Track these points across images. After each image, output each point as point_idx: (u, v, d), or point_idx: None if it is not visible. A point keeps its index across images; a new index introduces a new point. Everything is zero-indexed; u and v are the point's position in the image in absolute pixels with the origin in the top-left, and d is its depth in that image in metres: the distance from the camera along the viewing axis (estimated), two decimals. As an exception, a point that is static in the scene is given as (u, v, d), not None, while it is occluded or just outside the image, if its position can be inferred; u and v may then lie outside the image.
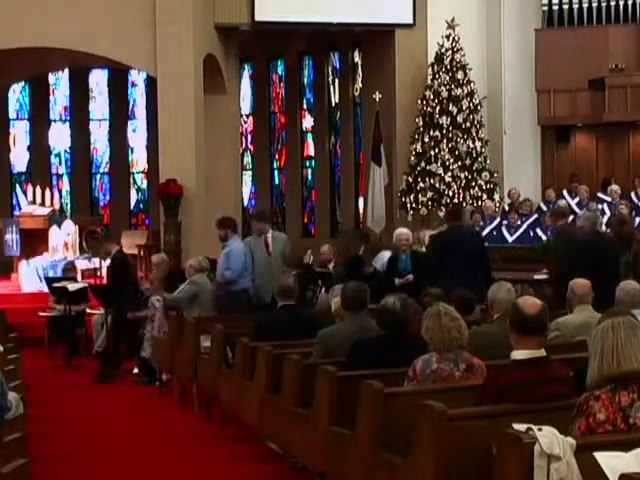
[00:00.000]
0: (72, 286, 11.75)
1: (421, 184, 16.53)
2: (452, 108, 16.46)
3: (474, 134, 16.58)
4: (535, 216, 14.55)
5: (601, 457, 3.35)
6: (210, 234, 16.15)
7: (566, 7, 17.21)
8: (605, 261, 8.79)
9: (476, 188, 16.43)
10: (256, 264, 10.12)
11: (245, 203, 21.54)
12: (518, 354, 4.20)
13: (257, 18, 17.10)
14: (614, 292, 6.43)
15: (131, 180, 23.12)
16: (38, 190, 16.71)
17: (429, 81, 16.92)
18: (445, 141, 16.49)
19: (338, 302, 6.66)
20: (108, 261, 11.54)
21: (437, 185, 16.43)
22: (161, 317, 10.02)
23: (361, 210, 19.47)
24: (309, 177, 21.39)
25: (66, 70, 22.71)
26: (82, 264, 14.65)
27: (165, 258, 12.06)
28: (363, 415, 4.69)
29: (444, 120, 16.49)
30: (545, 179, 17.48)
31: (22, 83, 22.88)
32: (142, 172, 22.98)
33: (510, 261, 12.57)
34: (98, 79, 23.10)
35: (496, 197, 16.49)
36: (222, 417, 8.10)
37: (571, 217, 13.40)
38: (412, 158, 16.73)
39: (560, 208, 11.54)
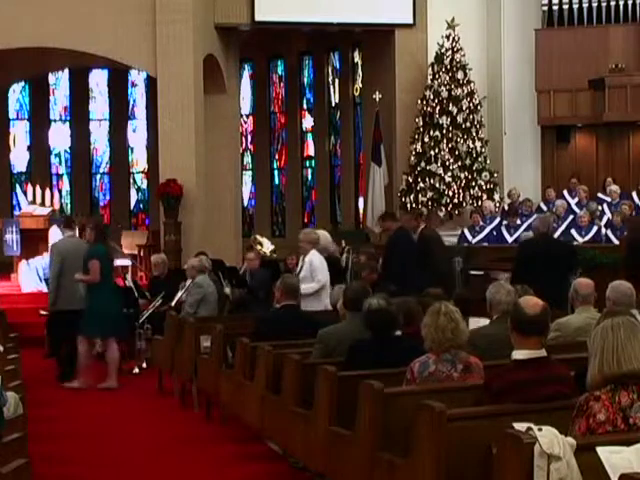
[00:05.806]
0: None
1: (421, 184, 16.52)
2: (452, 108, 16.44)
3: (474, 134, 16.56)
4: (535, 216, 14.54)
5: (602, 452, 3.35)
6: (210, 234, 16.20)
7: (566, 7, 17.20)
8: (549, 261, 9.18)
9: (476, 188, 16.41)
10: None
11: (245, 203, 21.54)
12: (519, 354, 4.20)
13: (257, 18, 17.11)
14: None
15: (131, 180, 23.12)
16: (38, 190, 16.71)
17: (429, 81, 16.90)
18: (445, 141, 16.47)
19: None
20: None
21: (437, 185, 16.42)
22: None
23: (361, 210, 19.47)
24: (309, 177, 21.40)
25: (66, 70, 22.71)
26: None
27: (164, 258, 12.09)
28: (363, 415, 4.68)
29: (444, 120, 16.48)
30: (545, 179, 17.47)
31: (22, 83, 22.89)
32: (142, 172, 22.98)
33: (510, 261, 12.53)
34: (98, 79, 23.11)
35: (496, 197, 16.47)
36: (222, 417, 8.10)
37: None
38: (412, 158, 16.72)
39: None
